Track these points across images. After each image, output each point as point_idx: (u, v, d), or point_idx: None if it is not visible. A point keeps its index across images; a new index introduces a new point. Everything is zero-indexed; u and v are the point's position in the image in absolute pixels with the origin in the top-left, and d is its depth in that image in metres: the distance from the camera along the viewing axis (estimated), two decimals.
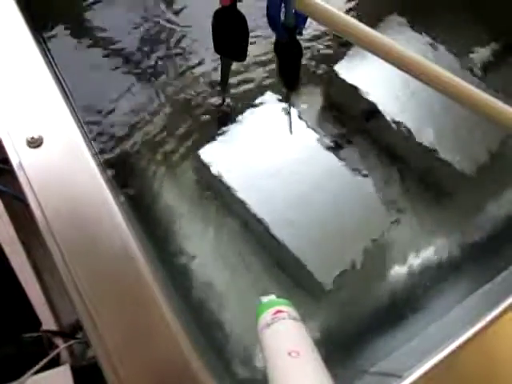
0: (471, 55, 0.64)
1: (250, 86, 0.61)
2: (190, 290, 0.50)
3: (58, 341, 0.48)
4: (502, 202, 0.57)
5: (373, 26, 0.32)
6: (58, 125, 0.39)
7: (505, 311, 0.37)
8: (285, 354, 0.26)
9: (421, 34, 0.57)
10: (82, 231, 0.36)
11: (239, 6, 0.41)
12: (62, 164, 0.38)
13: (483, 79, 0.55)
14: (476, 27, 0.66)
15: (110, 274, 0.35)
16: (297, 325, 0.30)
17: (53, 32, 0.60)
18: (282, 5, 0.36)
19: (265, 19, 0.40)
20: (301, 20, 0.38)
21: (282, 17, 0.38)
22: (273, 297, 0.33)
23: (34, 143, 0.38)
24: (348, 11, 0.66)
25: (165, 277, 0.42)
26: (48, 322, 0.49)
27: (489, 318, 0.36)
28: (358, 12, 0.66)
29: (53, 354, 0.43)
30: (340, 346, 0.48)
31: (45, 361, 0.43)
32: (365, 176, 0.50)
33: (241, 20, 0.42)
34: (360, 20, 0.33)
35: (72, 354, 0.48)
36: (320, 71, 0.59)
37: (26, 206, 0.37)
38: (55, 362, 0.46)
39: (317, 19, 0.34)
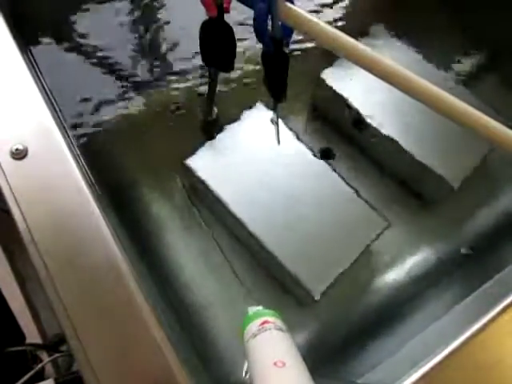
0: (456, 65, 0.65)
1: (238, 95, 0.61)
2: (177, 302, 0.50)
3: (43, 354, 0.47)
4: (487, 211, 0.58)
5: (357, 37, 0.32)
6: (42, 136, 0.39)
7: (492, 320, 0.37)
8: (270, 364, 0.26)
9: (406, 44, 0.58)
10: (66, 243, 0.36)
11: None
12: (46, 176, 0.37)
13: (468, 89, 0.56)
14: (461, 38, 0.67)
15: (94, 286, 0.35)
16: (283, 335, 0.30)
17: (38, 41, 0.60)
18: (269, 17, 0.36)
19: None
20: (287, 32, 0.38)
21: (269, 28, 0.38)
22: (260, 307, 0.33)
23: (19, 155, 0.37)
24: (333, 22, 0.67)
25: (150, 288, 0.41)
26: (32, 335, 0.48)
27: (475, 327, 0.36)
28: (343, 23, 0.67)
29: (37, 368, 0.42)
30: (328, 357, 0.48)
31: (29, 375, 0.42)
32: (352, 185, 0.50)
33: (228, 31, 0.42)
34: (345, 31, 0.33)
35: (56, 368, 0.47)
36: (307, 80, 0.59)
37: (11, 217, 0.37)
38: (40, 376, 0.45)
39: (302, 31, 0.34)
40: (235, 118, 0.53)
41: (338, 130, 0.61)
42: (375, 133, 0.54)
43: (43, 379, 0.44)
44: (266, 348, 0.29)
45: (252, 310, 0.33)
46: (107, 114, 0.59)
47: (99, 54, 0.62)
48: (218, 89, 0.54)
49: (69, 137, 0.43)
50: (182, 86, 0.62)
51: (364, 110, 0.54)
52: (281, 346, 0.29)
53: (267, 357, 0.27)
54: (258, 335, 0.29)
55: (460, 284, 0.52)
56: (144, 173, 0.57)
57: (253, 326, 0.30)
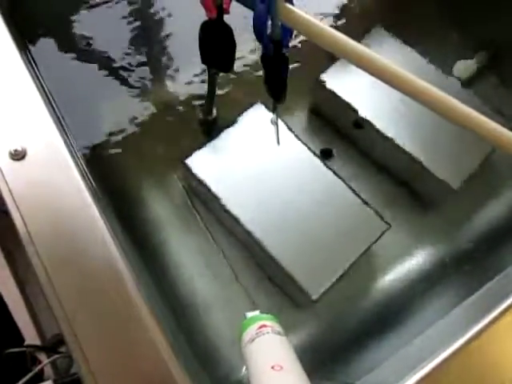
0: (456, 66, 0.64)
1: (238, 96, 0.61)
2: (176, 303, 0.50)
3: (42, 356, 0.47)
4: (488, 212, 0.58)
5: (358, 38, 0.32)
6: (41, 137, 0.39)
7: (492, 322, 0.37)
8: (268, 367, 0.26)
9: (406, 45, 0.58)
10: (65, 244, 0.36)
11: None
12: (45, 177, 0.37)
13: (466, 90, 0.56)
14: (460, 39, 0.67)
15: (93, 288, 0.35)
16: (280, 339, 0.30)
17: (37, 41, 0.60)
18: (269, 18, 0.36)
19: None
20: (287, 33, 0.38)
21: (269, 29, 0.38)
22: (257, 312, 0.34)
23: (17, 155, 0.37)
24: (332, 23, 0.67)
25: (150, 289, 0.41)
26: (31, 336, 0.48)
27: (475, 329, 0.36)
28: (343, 25, 0.67)
29: (36, 369, 0.42)
30: (326, 359, 0.48)
31: (28, 376, 0.42)
32: (352, 186, 0.50)
33: (227, 32, 0.42)
34: (345, 33, 0.33)
35: (56, 369, 0.47)
36: (307, 81, 0.59)
37: (10, 218, 0.37)
38: (39, 378, 0.45)
39: (301, 32, 0.34)
40: (235, 119, 0.53)
41: (337, 131, 0.61)
42: (375, 134, 0.54)
43: (42, 381, 0.44)
44: (263, 352, 0.29)
45: (250, 314, 0.33)
46: (106, 113, 0.59)
47: (98, 53, 0.61)
48: (217, 89, 0.54)
49: (68, 137, 0.43)
50: (181, 86, 0.62)
51: (364, 111, 0.54)
52: (278, 349, 0.29)
53: (265, 360, 0.27)
54: (255, 339, 0.30)
55: (460, 285, 0.52)
56: (143, 173, 0.57)
57: (250, 331, 0.31)
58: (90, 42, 0.62)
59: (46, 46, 0.60)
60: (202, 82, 0.62)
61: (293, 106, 0.61)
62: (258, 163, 0.51)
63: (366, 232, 0.48)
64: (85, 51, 0.61)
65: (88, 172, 0.51)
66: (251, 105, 0.54)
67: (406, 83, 0.33)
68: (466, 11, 0.68)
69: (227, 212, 0.48)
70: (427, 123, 0.54)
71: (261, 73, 0.41)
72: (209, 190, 0.49)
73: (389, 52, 0.57)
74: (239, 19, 0.40)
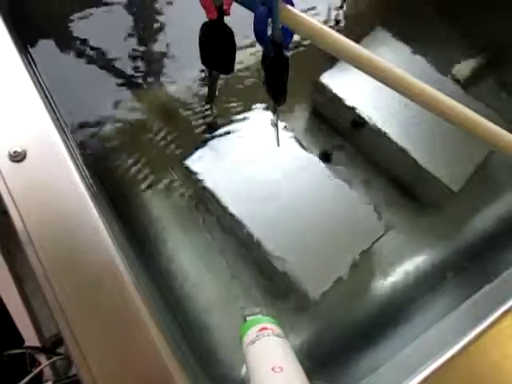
0: (456, 67, 0.65)
1: (238, 97, 0.61)
2: (177, 304, 0.50)
3: (41, 357, 0.47)
4: (487, 214, 0.58)
5: (357, 39, 0.32)
6: (41, 138, 0.38)
7: (491, 325, 0.37)
8: (268, 369, 0.27)
9: (405, 46, 0.58)
10: (64, 245, 0.35)
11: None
12: (45, 178, 0.37)
13: (466, 92, 0.56)
14: (460, 40, 0.67)
15: (92, 288, 0.34)
16: (280, 341, 0.30)
17: (37, 42, 0.60)
18: (269, 19, 0.36)
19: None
20: (288, 34, 0.38)
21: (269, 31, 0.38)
22: (258, 315, 0.34)
23: (17, 157, 0.37)
24: (332, 25, 0.67)
25: (149, 289, 0.41)
26: (30, 337, 0.48)
27: (475, 331, 0.36)
28: (343, 26, 0.67)
29: (35, 371, 0.42)
30: (326, 361, 0.47)
31: (27, 379, 0.42)
32: (352, 187, 0.50)
33: (228, 34, 0.42)
34: (345, 34, 0.33)
35: (55, 371, 0.47)
36: (307, 82, 0.59)
37: (9, 220, 0.37)
38: (38, 380, 0.45)
39: (302, 33, 0.34)
40: (235, 120, 0.53)
41: (338, 133, 0.61)
42: (375, 135, 0.54)
43: (42, 382, 0.44)
44: (264, 354, 0.29)
45: (250, 317, 0.34)
46: (106, 114, 0.59)
47: (98, 54, 0.61)
48: (217, 90, 0.54)
49: (68, 139, 0.43)
50: (181, 86, 0.62)
51: (364, 113, 0.54)
52: (279, 351, 0.29)
53: (265, 362, 0.28)
54: (256, 341, 0.30)
55: (460, 287, 0.51)
56: (143, 173, 0.57)
57: (251, 333, 0.31)
58: (90, 42, 0.62)
59: (45, 47, 0.60)
60: (202, 82, 0.62)
61: (293, 107, 0.62)
62: (257, 164, 0.51)
63: (366, 233, 0.48)
64: (84, 52, 0.61)
65: (88, 173, 0.51)
66: (251, 106, 0.54)
67: (406, 85, 0.33)
68: (467, 12, 0.68)
69: (226, 212, 0.48)
70: (427, 124, 0.54)
71: (261, 74, 0.41)
72: (208, 190, 0.49)
73: (389, 53, 0.57)
74: (240, 20, 0.40)
